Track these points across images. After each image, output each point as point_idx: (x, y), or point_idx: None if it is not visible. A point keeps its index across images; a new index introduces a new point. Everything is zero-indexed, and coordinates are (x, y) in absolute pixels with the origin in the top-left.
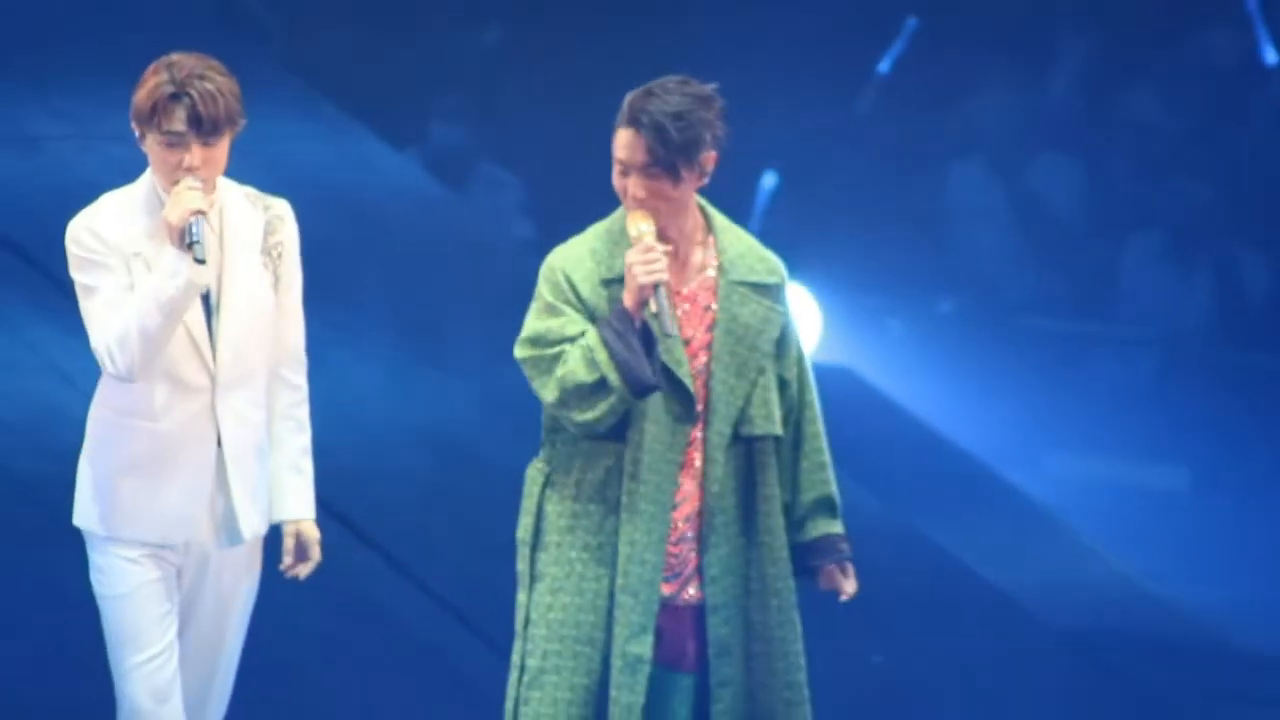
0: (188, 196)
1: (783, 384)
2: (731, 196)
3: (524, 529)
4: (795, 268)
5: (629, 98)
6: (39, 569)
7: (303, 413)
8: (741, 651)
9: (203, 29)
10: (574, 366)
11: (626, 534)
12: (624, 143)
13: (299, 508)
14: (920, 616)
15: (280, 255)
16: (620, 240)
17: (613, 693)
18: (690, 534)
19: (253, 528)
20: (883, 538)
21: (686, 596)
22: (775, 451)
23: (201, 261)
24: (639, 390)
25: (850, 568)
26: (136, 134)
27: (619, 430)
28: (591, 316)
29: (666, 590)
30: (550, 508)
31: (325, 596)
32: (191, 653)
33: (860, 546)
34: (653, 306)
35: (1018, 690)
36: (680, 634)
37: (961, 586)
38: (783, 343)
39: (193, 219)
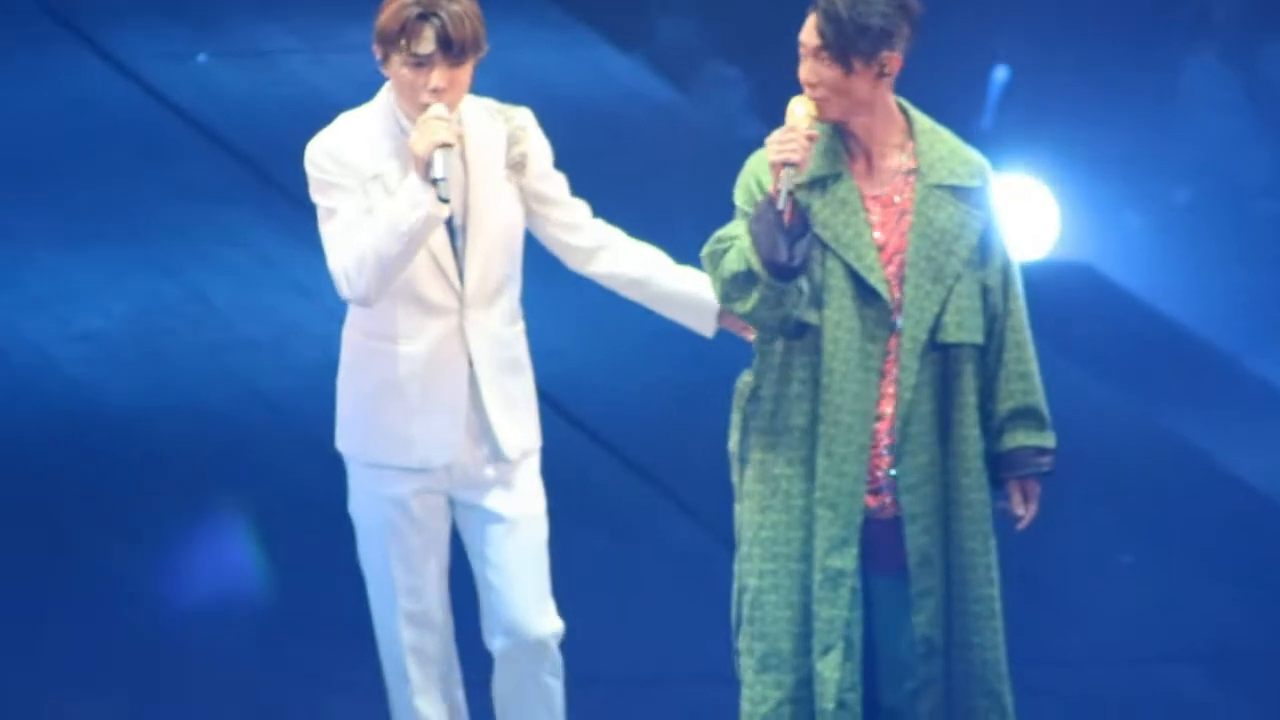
0: (435, 127)
1: (985, 290)
2: (963, 92)
3: (733, 443)
4: (1030, 163)
5: None
6: (289, 486)
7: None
8: (941, 561)
9: None
10: (731, 257)
11: (824, 445)
12: (808, 25)
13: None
14: (1165, 511)
15: (524, 166)
16: (816, 142)
17: (814, 608)
18: (893, 444)
19: (517, 445)
20: (1127, 433)
21: (894, 507)
22: (978, 360)
23: (445, 200)
24: (775, 271)
25: (1034, 487)
26: (379, 56)
27: (815, 341)
28: None
29: (873, 502)
30: (754, 423)
31: (589, 515)
32: (497, 569)
33: (1104, 442)
34: (776, 184)
35: (1266, 583)
36: (896, 544)
37: (1205, 479)
38: (984, 248)
39: (439, 152)
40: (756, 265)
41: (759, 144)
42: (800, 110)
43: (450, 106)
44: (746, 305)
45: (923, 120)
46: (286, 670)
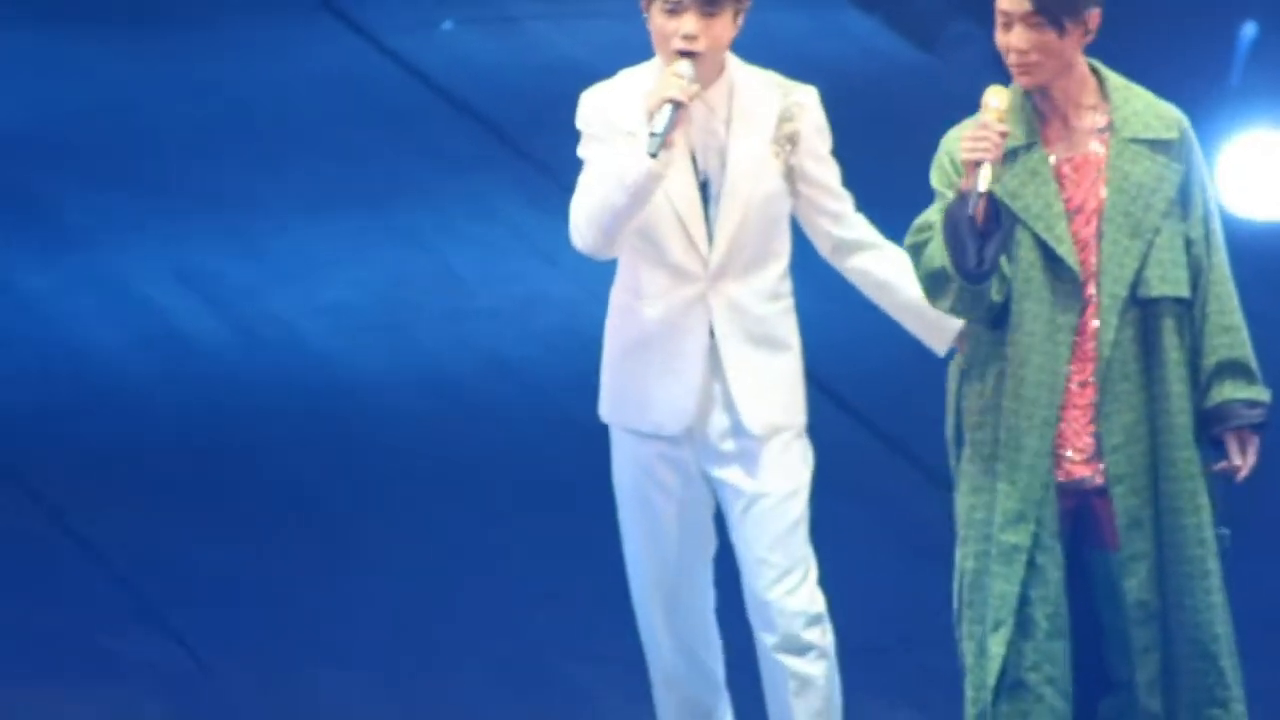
0: (669, 82)
1: (1188, 243)
2: (1213, 47)
3: (949, 427)
4: (1278, 118)
5: None
6: (529, 458)
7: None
8: (1152, 524)
9: None
10: (929, 252)
11: (1006, 420)
12: None
13: None
14: None
15: (795, 144)
16: (1009, 117)
17: (988, 580)
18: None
19: (763, 421)
20: None
21: (1102, 473)
22: (1183, 315)
23: (652, 155)
24: (967, 275)
25: (1251, 437)
26: (642, 7)
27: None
28: None
29: (1085, 471)
30: (966, 404)
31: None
32: (742, 548)
33: None
34: (968, 182)
35: None
36: (1108, 510)
37: None
38: (1185, 201)
39: (666, 107)
40: (949, 267)
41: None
42: (995, 103)
43: (708, 60)
44: (944, 304)
45: (1115, 78)
46: (539, 640)
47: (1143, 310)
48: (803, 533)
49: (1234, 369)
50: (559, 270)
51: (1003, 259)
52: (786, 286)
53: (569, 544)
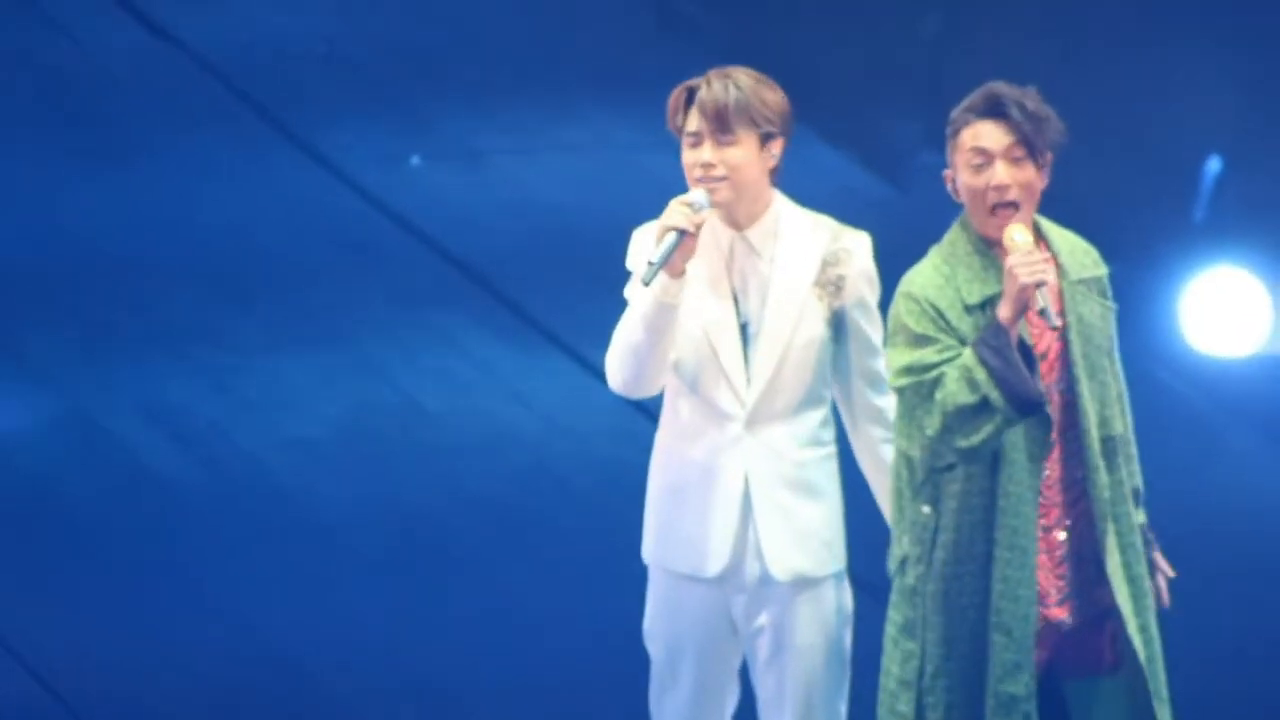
0: (675, 210)
1: (1117, 377)
2: (1177, 183)
3: (912, 577)
4: (1243, 256)
5: (984, 93)
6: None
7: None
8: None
9: (641, 36)
10: (953, 389)
11: (999, 570)
12: (987, 132)
13: None
14: None
15: (840, 290)
16: (969, 263)
17: None
18: (1071, 552)
19: (789, 568)
20: None
21: (1082, 613)
22: (1125, 447)
23: (645, 283)
24: (1023, 407)
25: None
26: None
27: (993, 464)
28: (960, 343)
29: (1061, 614)
30: (937, 554)
31: None
32: (761, 697)
33: None
34: (1037, 303)
35: None
36: (1092, 640)
37: None
38: (1114, 335)
39: (670, 234)
40: (1000, 402)
41: None
42: (1021, 237)
43: (737, 192)
44: (971, 440)
45: (1042, 219)
46: None
47: (1109, 448)
48: (823, 690)
49: (1138, 496)
50: (527, 407)
51: None
52: (829, 433)
53: (540, 677)
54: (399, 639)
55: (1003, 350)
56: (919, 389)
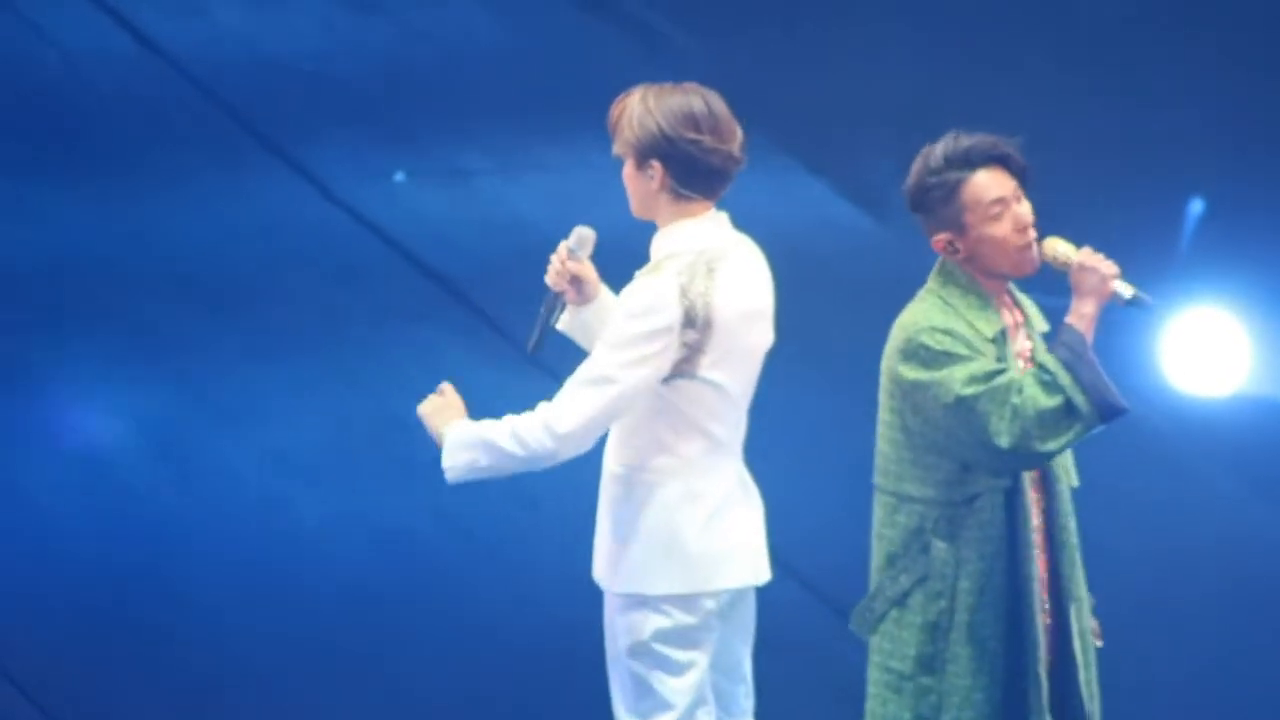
0: (550, 267)
1: None
2: (1157, 223)
3: (935, 611)
4: (1223, 295)
5: (960, 149)
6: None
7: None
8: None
9: (621, 60)
10: (1033, 393)
11: (1027, 612)
12: (994, 182)
13: None
14: None
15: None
16: (967, 303)
17: None
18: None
19: (598, 574)
20: None
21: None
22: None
23: (531, 352)
24: (1109, 413)
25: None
26: None
27: (1015, 500)
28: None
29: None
30: (963, 584)
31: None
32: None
33: None
34: (1126, 292)
35: None
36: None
37: None
38: None
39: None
40: (1086, 407)
41: None
42: (1063, 245)
43: (635, 209)
44: (1051, 444)
45: None
46: None
47: (1072, 496)
48: (620, 695)
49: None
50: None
51: None
52: (638, 454)
53: (514, 693)
54: (374, 651)
55: (1084, 354)
56: (994, 395)
